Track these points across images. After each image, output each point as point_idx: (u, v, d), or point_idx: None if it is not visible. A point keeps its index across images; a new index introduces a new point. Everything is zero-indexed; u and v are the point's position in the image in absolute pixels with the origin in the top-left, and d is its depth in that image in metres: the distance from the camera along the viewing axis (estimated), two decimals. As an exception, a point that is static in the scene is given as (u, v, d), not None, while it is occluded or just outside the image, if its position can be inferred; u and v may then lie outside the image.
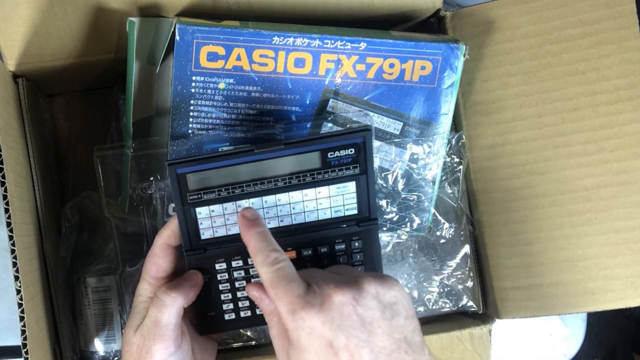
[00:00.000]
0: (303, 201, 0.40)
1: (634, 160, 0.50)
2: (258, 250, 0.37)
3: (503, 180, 0.52)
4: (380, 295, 0.34)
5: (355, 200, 0.41)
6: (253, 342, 0.53)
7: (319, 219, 0.41)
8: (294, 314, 0.33)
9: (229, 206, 0.40)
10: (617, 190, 0.50)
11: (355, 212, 0.41)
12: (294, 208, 0.40)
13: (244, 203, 0.40)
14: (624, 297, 0.50)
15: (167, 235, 0.41)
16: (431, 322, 0.54)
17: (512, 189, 0.52)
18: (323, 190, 0.40)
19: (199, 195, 0.40)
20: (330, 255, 0.42)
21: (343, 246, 0.42)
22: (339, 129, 0.48)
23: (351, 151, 0.39)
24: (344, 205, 0.41)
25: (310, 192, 0.40)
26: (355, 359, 0.32)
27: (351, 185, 0.40)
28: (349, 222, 0.42)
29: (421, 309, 0.54)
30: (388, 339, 0.33)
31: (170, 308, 0.39)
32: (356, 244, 0.42)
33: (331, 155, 0.39)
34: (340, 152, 0.39)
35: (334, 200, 0.41)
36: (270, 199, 0.40)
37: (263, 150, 0.39)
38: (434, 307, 0.54)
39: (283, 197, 0.40)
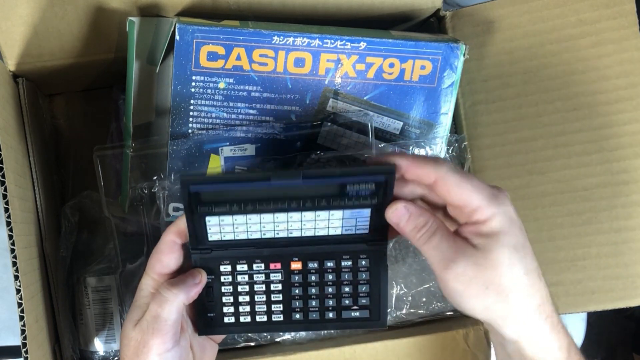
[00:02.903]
0: (315, 220, 0.40)
1: (634, 160, 0.50)
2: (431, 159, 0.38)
3: (503, 180, 0.52)
4: None
5: (367, 223, 0.40)
6: (253, 343, 0.53)
7: (329, 234, 0.41)
8: (497, 200, 0.36)
9: (239, 218, 0.40)
10: (617, 190, 0.50)
11: (366, 232, 0.41)
12: (305, 225, 0.40)
13: (254, 217, 0.39)
14: (624, 297, 0.50)
15: (174, 233, 0.41)
16: (431, 322, 0.54)
17: (512, 189, 0.51)
18: (336, 214, 0.40)
19: (210, 207, 0.39)
20: (336, 270, 0.42)
21: (350, 263, 0.41)
22: (341, 127, 0.48)
23: (371, 186, 0.38)
24: (355, 226, 0.40)
25: (323, 214, 0.39)
26: (532, 254, 0.37)
27: (366, 211, 0.40)
28: (358, 240, 0.41)
29: (421, 310, 0.54)
30: None
31: (171, 304, 0.39)
32: (363, 262, 0.41)
33: (350, 187, 0.38)
34: (360, 185, 0.39)
35: (346, 221, 0.40)
36: (281, 215, 0.39)
37: (280, 179, 0.38)
38: (434, 307, 0.54)
39: (295, 215, 0.39)
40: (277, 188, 0.38)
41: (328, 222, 0.40)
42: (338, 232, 0.40)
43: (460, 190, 0.36)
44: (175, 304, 0.39)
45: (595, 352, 0.83)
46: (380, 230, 0.40)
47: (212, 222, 0.39)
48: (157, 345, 0.39)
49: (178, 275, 0.41)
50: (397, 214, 0.38)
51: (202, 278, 0.41)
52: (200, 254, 0.41)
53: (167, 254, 0.41)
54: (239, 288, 0.42)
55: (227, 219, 0.39)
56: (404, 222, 0.38)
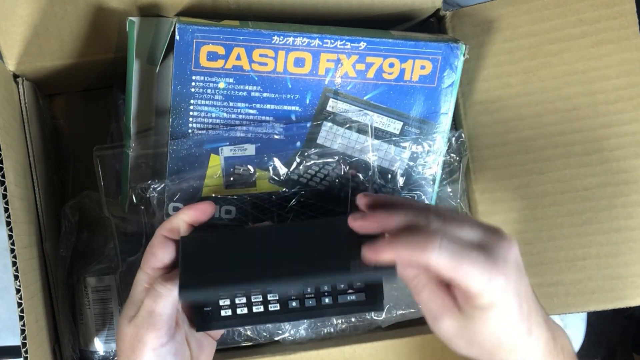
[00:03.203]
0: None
1: (634, 160, 0.50)
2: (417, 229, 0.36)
3: (503, 180, 0.52)
4: None
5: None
6: (252, 342, 0.53)
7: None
8: (491, 280, 0.34)
9: None
10: (617, 190, 0.50)
11: None
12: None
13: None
14: (624, 297, 0.50)
15: (167, 229, 0.41)
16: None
17: (512, 189, 0.52)
18: None
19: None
20: None
21: None
22: (341, 127, 0.48)
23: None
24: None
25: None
26: (530, 308, 0.36)
27: None
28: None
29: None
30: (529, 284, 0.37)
31: (166, 299, 0.39)
32: None
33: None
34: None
35: None
36: None
37: (278, 285, 0.40)
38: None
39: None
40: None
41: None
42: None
43: (451, 275, 0.35)
44: (169, 299, 0.39)
45: (595, 352, 0.83)
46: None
47: None
48: (151, 340, 0.39)
49: (172, 270, 0.41)
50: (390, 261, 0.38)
51: None
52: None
53: (161, 248, 0.41)
54: None
55: None
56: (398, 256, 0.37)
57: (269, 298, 0.42)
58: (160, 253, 0.41)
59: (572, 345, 0.40)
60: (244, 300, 0.43)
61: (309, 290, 0.41)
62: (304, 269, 0.38)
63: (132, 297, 0.41)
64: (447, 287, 0.37)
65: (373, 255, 0.36)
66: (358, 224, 0.38)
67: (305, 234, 0.40)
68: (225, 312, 0.43)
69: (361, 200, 0.40)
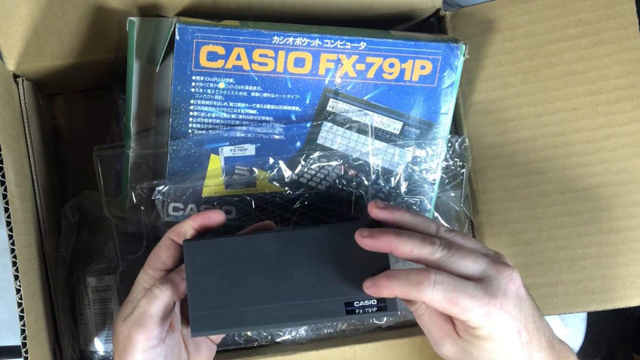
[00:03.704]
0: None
1: (634, 160, 0.50)
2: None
3: (503, 180, 0.52)
4: None
5: None
6: (255, 344, 0.53)
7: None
8: (488, 316, 0.35)
9: None
10: (617, 190, 0.50)
11: None
12: None
13: None
14: (624, 297, 0.50)
15: (175, 233, 0.41)
16: (431, 322, 0.54)
17: (512, 189, 0.52)
18: None
19: None
20: None
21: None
22: (341, 127, 0.48)
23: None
24: None
25: None
26: (531, 335, 0.36)
27: None
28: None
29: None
30: (533, 308, 0.38)
31: (159, 300, 0.39)
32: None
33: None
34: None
35: None
36: None
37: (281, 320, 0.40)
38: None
39: None
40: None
41: None
42: None
43: (448, 311, 0.36)
44: (163, 301, 0.39)
45: (595, 352, 0.82)
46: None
47: None
48: (141, 341, 0.39)
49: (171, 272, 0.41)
50: (391, 292, 0.38)
51: None
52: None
53: (166, 250, 0.41)
54: None
55: None
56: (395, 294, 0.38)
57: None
58: (164, 255, 0.41)
59: None
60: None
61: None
62: (305, 312, 0.39)
63: (130, 296, 0.42)
64: (446, 315, 0.38)
65: (373, 292, 0.38)
66: (366, 242, 0.38)
67: (309, 247, 0.40)
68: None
69: (372, 209, 0.40)
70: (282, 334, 0.53)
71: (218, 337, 0.46)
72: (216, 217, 0.42)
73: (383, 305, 0.39)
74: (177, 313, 0.42)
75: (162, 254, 0.41)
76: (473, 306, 0.35)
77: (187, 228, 0.41)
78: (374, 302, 0.39)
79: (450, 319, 0.38)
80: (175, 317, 0.42)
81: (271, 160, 0.48)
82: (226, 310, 0.39)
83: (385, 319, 0.53)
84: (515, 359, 0.36)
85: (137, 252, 0.50)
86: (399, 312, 0.42)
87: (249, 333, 0.53)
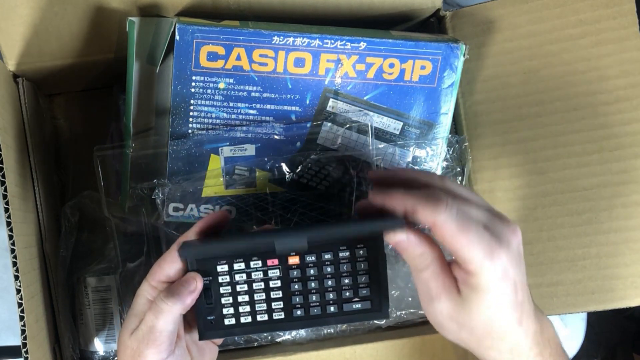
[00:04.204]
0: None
1: (634, 160, 0.50)
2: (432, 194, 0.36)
3: (503, 180, 0.52)
4: None
5: None
6: (254, 344, 0.53)
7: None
8: (491, 257, 0.34)
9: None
10: (617, 190, 0.50)
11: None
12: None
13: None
14: (624, 297, 0.50)
15: (180, 244, 0.41)
16: (431, 322, 0.54)
17: (512, 189, 0.52)
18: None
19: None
20: (334, 262, 0.41)
21: (347, 253, 0.41)
22: (341, 127, 0.48)
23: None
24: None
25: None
26: (524, 295, 0.36)
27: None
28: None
29: (422, 310, 0.54)
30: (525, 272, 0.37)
31: (167, 315, 0.39)
32: (360, 252, 0.41)
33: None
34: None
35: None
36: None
37: (284, 244, 0.39)
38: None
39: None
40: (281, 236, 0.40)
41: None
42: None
43: (454, 242, 0.35)
44: (171, 315, 0.39)
45: (595, 352, 0.83)
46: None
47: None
48: (151, 355, 0.39)
49: (174, 283, 0.41)
50: (396, 239, 0.38)
51: (198, 284, 0.40)
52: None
53: (170, 262, 0.41)
54: (238, 288, 0.42)
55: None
56: (401, 247, 0.38)
57: (273, 307, 0.42)
58: (167, 267, 0.41)
59: (558, 337, 0.40)
60: (247, 309, 0.42)
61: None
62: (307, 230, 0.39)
63: (134, 308, 0.41)
64: (449, 270, 0.37)
65: (382, 199, 0.37)
66: (379, 197, 0.38)
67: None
68: (229, 321, 0.43)
69: (373, 174, 0.40)
70: (282, 334, 0.53)
71: (219, 339, 0.46)
72: (219, 217, 0.42)
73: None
74: (181, 321, 0.42)
75: (166, 267, 0.41)
76: (481, 242, 0.34)
77: (193, 237, 0.41)
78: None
79: (451, 275, 0.37)
80: (180, 325, 0.42)
81: (271, 161, 0.48)
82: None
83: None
84: (507, 321, 0.36)
85: (137, 252, 0.50)
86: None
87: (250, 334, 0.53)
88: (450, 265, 0.38)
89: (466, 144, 0.51)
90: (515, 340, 0.37)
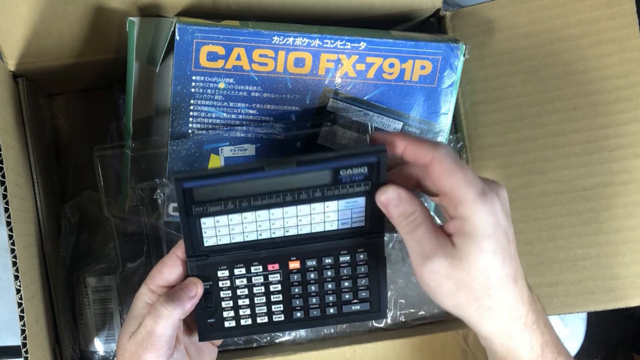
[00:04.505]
0: (310, 214, 0.40)
1: (634, 160, 0.50)
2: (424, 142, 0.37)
3: (503, 180, 0.52)
4: None
5: (363, 215, 0.40)
6: (254, 344, 0.53)
7: (325, 230, 0.40)
8: (484, 198, 0.35)
9: (235, 217, 0.39)
10: (617, 190, 0.50)
11: (362, 224, 0.40)
12: (300, 220, 0.40)
13: (250, 215, 0.39)
14: (624, 297, 0.50)
15: (181, 248, 0.41)
16: (431, 322, 0.54)
17: (512, 189, 0.51)
18: (332, 205, 0.39)
19: (205, 207, 0.39)
20: (334, 266, 0.41)
21: (348, 257, 0.41)
22: (341, 127, 0.48)
23: (364, 169, 0.38)
24: (351, 218, 0.40)
25: (318, 206, 0.39)
26: (516, 252, 0.36)
27: (361, 201, 0.39)
28: (355, 234, 0.41)
29: (421, 310, 0.54)
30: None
31: (167, 320, 0.39)
32: (361, 256, 0.41)
33: (343, 172, 0.38)
34: (353, 170, 0.38)
35: (342, 213, 0.40)
36: (277, 211, 0.39)
37: (274, 168, 0.38)
38: (434, 307, 0.54)
39: (290, 210, 0.39)
40: (271, 179, 0.38)
41: (324, 216, 0.40)
42: (334, 226, 0.40)
43: (451, 178, 0.35)
44: (170, 320, 0.39)
45: (595, 352, 0.83)
46: (377, 221, 0.40)
47: (207, 224, 0.39)
48: (150, 358, 0.39)
49: (174, 287, 0.41)
50: (387, 197, 0.37)
51: (198, 290, 0.40)
52: (197, 260, 0.41)
53: (170, 267, 0.41)
54: (238, 292, 0.42)
55: (223, 219, 0.39)
56: (393, 205, 0.37)
57: (273, 309, 0.42)
58: (167, 272, 0.41)
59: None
60: (248, 312, 0.42)
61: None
62: (299, 161, 0.38)
63: (132, 311, 0.41)
64: (441, 228, 0.37)
65: (383, 137, 0.38)
66: (380, 136, 0.39)
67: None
68: (229, 324, 0.43)
69: (378, 134, 0.40)
70: (281, 334, 0.53)
71: (218, 340, 0.46)
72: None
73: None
74: (181, 325, 0.42)
75: (166, 272, 0.41)
76: (475, 183, 0.35)
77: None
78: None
79: (445, 233, 0.37)
80: (179, 329, 0.42)
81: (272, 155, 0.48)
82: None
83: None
84: (504, 274, 0.35)
85: (137, 252, 0.50)
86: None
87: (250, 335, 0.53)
88: (441, 227, 0.37)
89: (461, 143, 0.51)
90: (512, 302, 0.36)
